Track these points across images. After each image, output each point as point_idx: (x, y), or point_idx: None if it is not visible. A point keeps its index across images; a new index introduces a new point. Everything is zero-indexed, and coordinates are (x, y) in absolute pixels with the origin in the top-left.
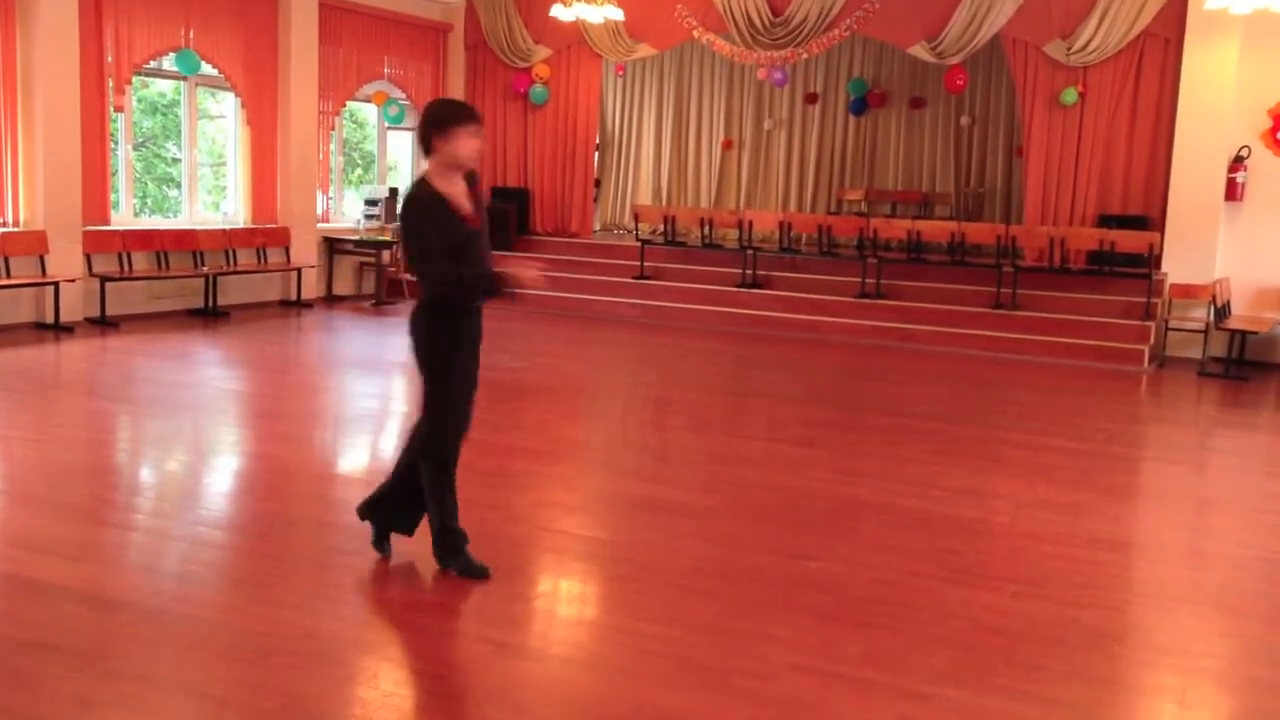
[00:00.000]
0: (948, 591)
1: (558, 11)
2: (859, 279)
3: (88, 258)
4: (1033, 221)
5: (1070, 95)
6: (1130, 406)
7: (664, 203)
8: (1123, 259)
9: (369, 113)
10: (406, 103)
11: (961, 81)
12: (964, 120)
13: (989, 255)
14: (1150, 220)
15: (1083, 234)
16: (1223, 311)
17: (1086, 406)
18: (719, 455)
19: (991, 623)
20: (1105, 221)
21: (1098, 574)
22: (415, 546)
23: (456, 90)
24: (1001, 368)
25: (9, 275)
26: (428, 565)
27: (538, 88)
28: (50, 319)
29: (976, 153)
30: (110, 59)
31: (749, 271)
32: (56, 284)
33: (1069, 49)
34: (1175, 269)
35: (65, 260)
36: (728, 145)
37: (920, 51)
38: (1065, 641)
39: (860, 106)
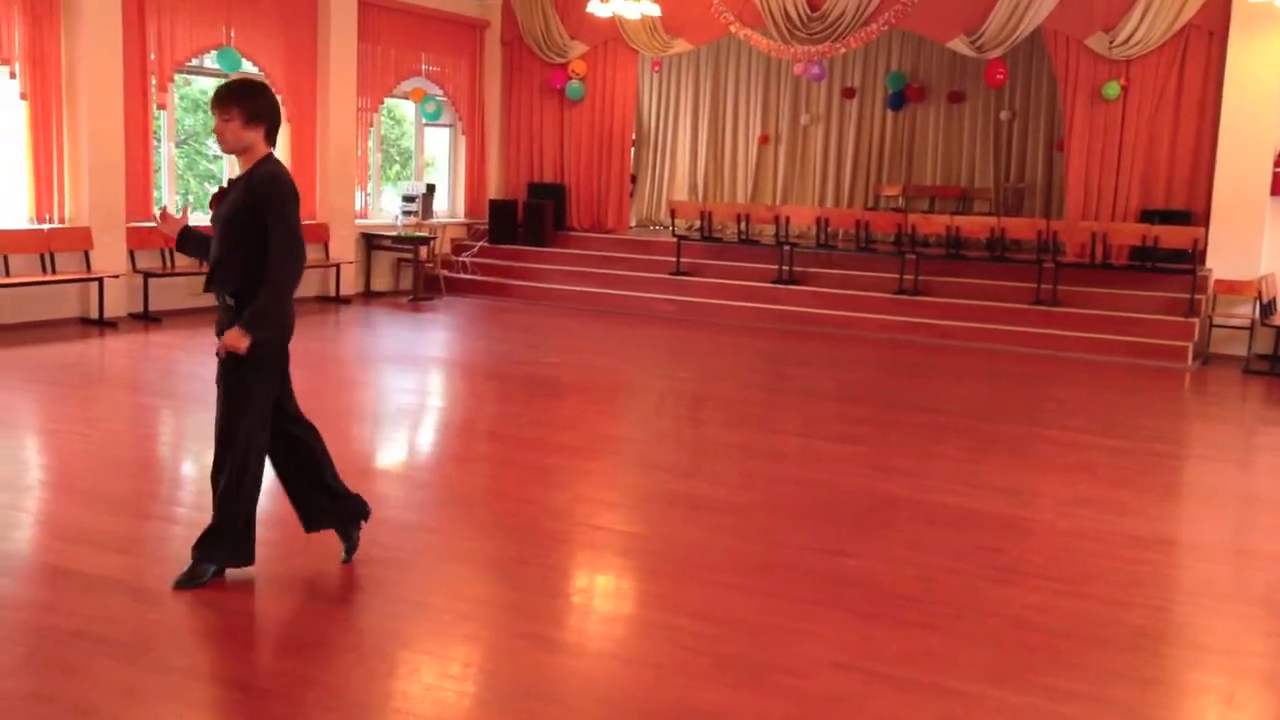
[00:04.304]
0: (989, 590)
1: (594, 7)
2: (897, 275)
3: (131, 254)
4: (1074, 217)
5: (1113, 89)
6: (1174, 404)
7: (700, 198)
8: (1166, 254)
9: (407, 109)
10: (444, 99)
11: (1001, 75)
12: (1004, 114)
13: (1029, 251)
14: (1194, 215)
15: (1125, 229)
16: (1269, 308)
17: (1129, 404)
18: (755, 451)
19: (1034, 621)
20: (1148, 216)
21: (1142, 572)
22: (452, 542)
23: (493, 87)
24: (1042, 364)
25: (55, 271)
26: (468, 562)
27: (574, 83)
28: (95, 314)
29: (1016, 147)
30: (153, 57)
31: (786, 267)
32: (101, 280)
33: (1111, 42)
34: (1220, 264)
35: (109, 256)
36: (764, 140)
37: (960, 45)
38: (1109, 641)
39: (898, 101)
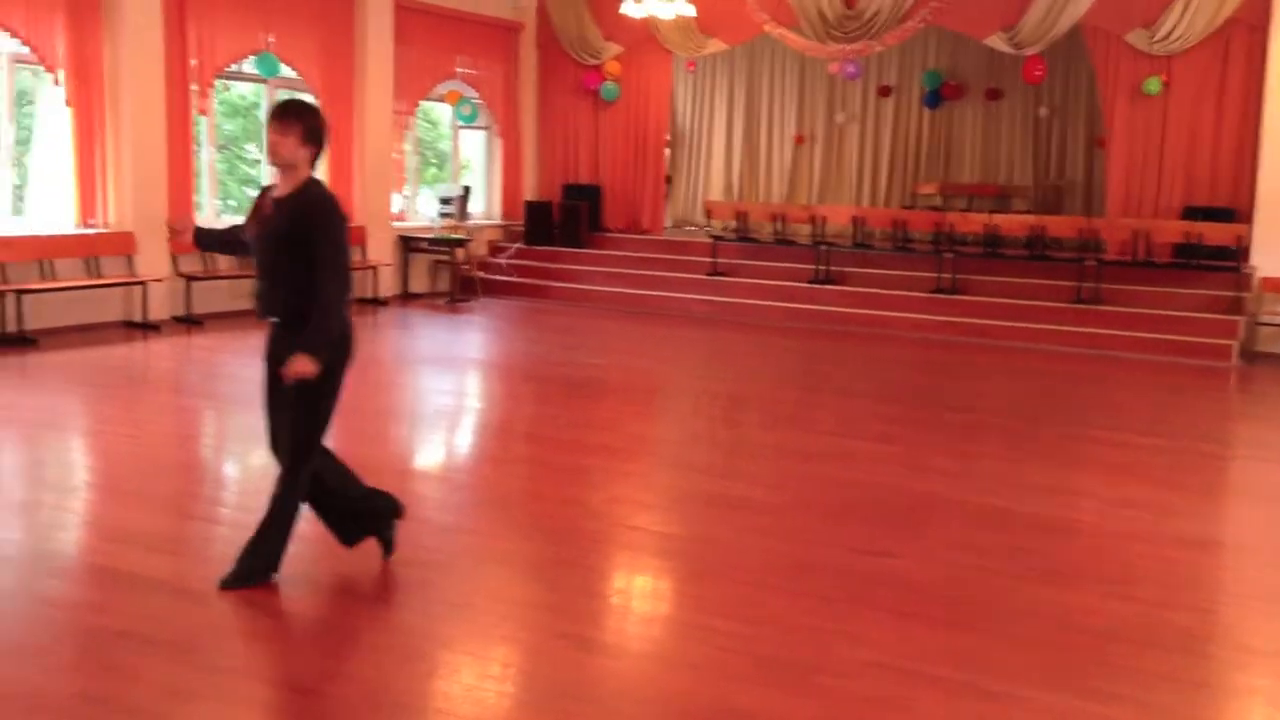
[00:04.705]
0: (1032, 590)
1: (628, 8)
2: (935, 274)
3: (174, 258)
4: (1115, 214)
5: (1153, 85)
6: (1218, 403)
7: (736, 198)
8: (1209, 252)
9: (443, 112)
10: (479, 102)
11: (1040, 72)
12: (1042, 111)
13: (1069, 249)
14: (1238, 212)
15: (1167, 226)
16: None
17: (1172, 403)
18: (793, 451)
19: (1078, 623)
20: (1191, 213)
21: (1188, 574)
22: (491, 543)
23: (528, 89)
24: (1083, 364)
25: (100, 275)
26: (506, 563)
27: (609, 84)
28: (139, 318)
29: (1056, 144)
30: (194, 63)
31: (822, 267)
32: (144, 283)
33: (1152, 37)
34: (1265, 262)
35: (153, 260)
36: (800, 140)
37: (997, 42)
38: (1156, 643)
39: (935, 99)
